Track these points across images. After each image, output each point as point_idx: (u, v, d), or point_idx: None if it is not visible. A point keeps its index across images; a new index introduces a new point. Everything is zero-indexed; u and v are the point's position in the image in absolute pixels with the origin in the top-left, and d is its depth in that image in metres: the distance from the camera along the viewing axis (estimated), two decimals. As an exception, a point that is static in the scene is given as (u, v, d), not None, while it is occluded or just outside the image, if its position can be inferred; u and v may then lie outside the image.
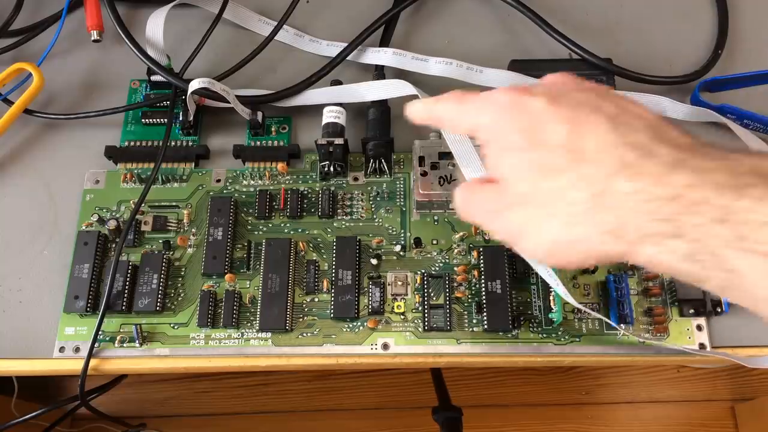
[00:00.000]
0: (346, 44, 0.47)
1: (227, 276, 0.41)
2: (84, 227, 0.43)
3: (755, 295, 0.24)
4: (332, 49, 0.48)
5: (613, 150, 0.27)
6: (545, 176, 0.28)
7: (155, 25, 0.46)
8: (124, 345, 0.40)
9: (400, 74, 0.46)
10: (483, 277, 0.40)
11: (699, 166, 0.25)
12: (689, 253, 0.25)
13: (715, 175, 0.25)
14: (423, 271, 0.41)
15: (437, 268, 0.42)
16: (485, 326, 0.39)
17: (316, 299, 0.41)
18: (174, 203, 0.44)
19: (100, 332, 0.40)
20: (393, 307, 0.41)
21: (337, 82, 0.46)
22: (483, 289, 0.40)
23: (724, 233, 0.24)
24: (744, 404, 1.04)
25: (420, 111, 0.35)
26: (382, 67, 0.47)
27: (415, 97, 0.42)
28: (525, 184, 0.29)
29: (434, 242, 0.42)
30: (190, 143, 0.46)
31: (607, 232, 0.26)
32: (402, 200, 0.44)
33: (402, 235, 0.43)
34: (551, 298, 0.39)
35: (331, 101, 0.45)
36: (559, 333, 0.40)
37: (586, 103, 0.29)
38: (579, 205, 0.27)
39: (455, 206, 0.33)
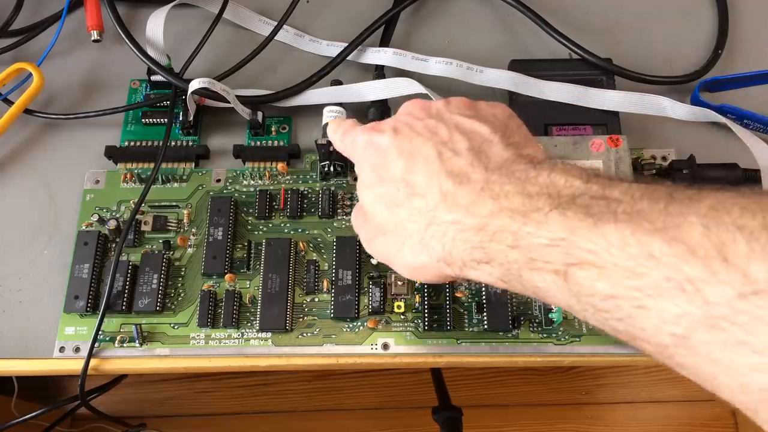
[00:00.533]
0: (346, 44, 0.47)
1: (227, 276, 0.41)
2: (84, 227, 0.43)
3: (562, 306, 0.26)
4: (332, 49, 0.48)
5: (436, 180, 0.29)
6: (390, 210, 0.31)
7: (155, 25, 0.46)
8: (124, 345, 0.40)
9: (400, 74, 0.46)
10: (483, 277, 0.40)
11: (500, 192, 0.27)
12: (501, 276, 0.27)
13: (511, 200, 0.27)
14: (423, 271, 0.41)
15: (437, 268, 0.41)
16: (485, 326, 0.39)
17: (316, 299, 0.41)
18: (174, 203, 0.44)
19: (100, 332, 0.40)
20: (393, 307, 0.40)
21: (337, 82, 0.46)
22: (483, 289, 0.40)
23: (518, 257, 0.26)
24: (744, 404, 1.04)
25: (329, 134, 0.39)
26: (382, 67, 0.47)
27: (418, 95, 0.42)
28: (379, 216, 0.32)
29: (434, 242, 0.42)
30: (190, 143, 0.46)
31: (440, 259, 0.29)
32: (402, 200, 0.43)
33: (402, 235, 0.43)
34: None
35: (331, 101, 0.45)
36: (559, 333, 0.40)
37: (423, 132, 0.31)
38: (416, 236, 0.30)
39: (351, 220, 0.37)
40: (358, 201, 0.37)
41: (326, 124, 0.42)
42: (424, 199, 0.29)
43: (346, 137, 0.36)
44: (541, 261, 0.25)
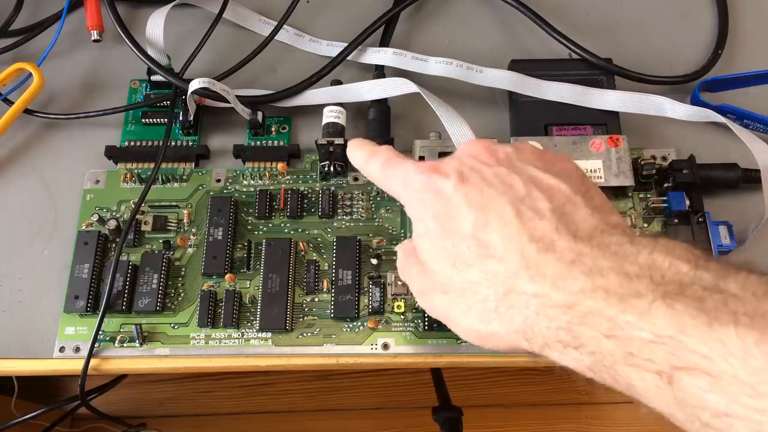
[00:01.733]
0: (346, 44, 0.47)
1: (227, 276, 0.41)
2: (84, 227, 0.43)
3: (661, 411, 0.23)
4: (332, 49, 0.48)
5: (516, 243, 0.26)
6: (458, 269, 0.28)
7: (155, 25, 0.46)
8: (124, 345, 0.40)
9: (400, 74, 0.46)
10: (483, 277, 0.40)
11: (593, 267, 0.24)
12: (590, 366, 0.24)
13: (607, 278, 0.24)
14: (423, 271, 0.41)
15: (437, 268, 0.41)
16: (485, 326, 0.39)
17: (316, 299, 0.41)
18: (174, 203, 0.44)
19: (100, 332, 0.40)
20: (393, 307, 0.40)
21: (337, 82, 0.46)
22: (483, 289, 0.40)
23: (614, 349, 0.23)
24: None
25: (355, 160, 0.35)
26: (382, 67, 0.47)
27: (417, 95, 0.42)
28: (441, 273, 0.28)
29: (434, 242, 0.42)
30: (190, 143, 0.46)
31: (518, 331, 0.26)
32: (402, 200, 0.43)
33: (402, 235, 0.43)
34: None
35: (331, 101, 0.45)
36: (559, 333, 0.40)
37: (495, 182, 0.28)
38: (489, 302, 0.27)
39: (397, 263, 0.34)
40: (405, 240, 0.35)
41: (344, 144, 0.40)
42: (501, 263, 0.26)
43: (392, 171, 0.32)
44: (641, 358, 0.22)
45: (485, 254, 0.27)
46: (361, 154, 0.34)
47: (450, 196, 0.28)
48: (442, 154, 0.42)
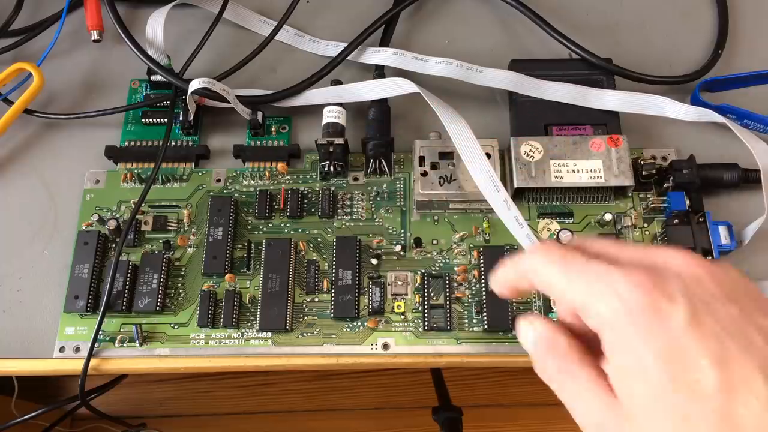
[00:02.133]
0: (346, 44, 0.47)
1: (227, 276, 0.41)
2: (84, 227, 0.43)
3: None
4: (332, 49, 0.48)
5: (764, 414, 0.21)
6: (687, 426, 0.22)
7: (155, 25, 0.46)
8: (124, 345, 0.40)
9: (400, 74, 0.46)
10: (483, 276, 0.40)
11: None
12: None
13: None
14: (423, 271, 0.41)
15: (437, 268, 0.42)
16: (485, 326, 0.39)
17: (316, 299, 0.41)
18: (174, 203, 0.44)
19: (100, 332, 0.40)
20: (393, 307, 0.40)
21: (337, 82, 0.46)
22: (483, 289, 0.40)
23: None
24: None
25: (510, 274, 0.28)
26: (382, 67, 0.47)
27: (417, 95, 0.42)
28: (659, 427, 0.22)
29: (434, 242, 0.42)
30: (190, 143, 0.46)
31: None
32: (402, 200, 0.44)
33: (402, 235, 0.43)
34: (551, 298, 0.39)
35: (331, 101, 0.45)
36: (559, 333, 0.40)
37: (736, 331, 0.22)
38: None
39: (535, 357, 0.27)
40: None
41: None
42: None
43: (579, 269, 0.24)
44: None
45: (731, 425, 0.21)
46: (518, 258, 0.28)
47: (680, 335, 0.22)
48: (443, 155, 0.42)
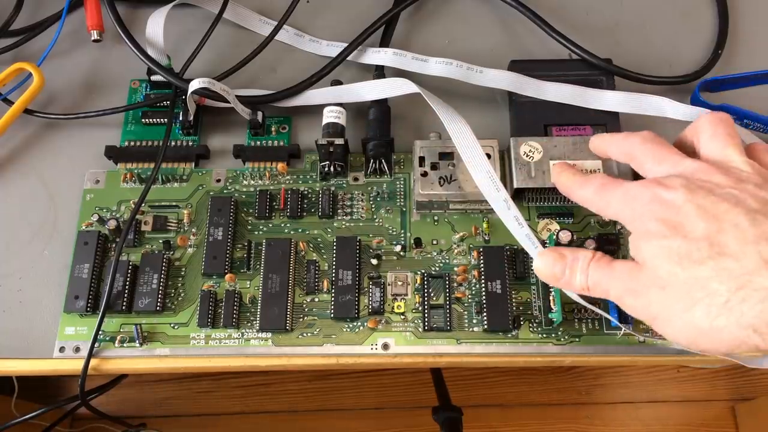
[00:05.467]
0: (346, 44, 0.47)
1: (227, 276, 0.41)
2: (84, 227, 0.43)
3: None
4: (332, 49, 0.48)
5: (753, 246, 0.27)
6: (684, 266, 0.28)
7: (155, 25, 0.46)
8: (124, 345, 0.40)
9: (400, 74, 0.46)
10: (483, 277, 0.40)
11: None
12: None
13: None
14: (423, 271, 0.41)
15: (437, 268, 0.42)
16: (485, 326, 0.39)
17: (316, 299, 0.41)
18: (174, 203, 0.44)
19: (100, 332, 0.40)
20: (393, 307, 0.41)
21: (337, 82, 0.46)
22: (483, 289, 0.40)
23: None
24: (744, 404, 1.04)
25: (563, 185, 0.37)
26: (382, 67, 0.47)
27: (417, 95, 0.42)
28: (663, 270, 0.29)
29: (434, 242, 0.42)
30: (190, 143, 0.46)
31: (748, 326, 0.27)
32: (402, 200, 0.44)
33: (402, 235, 0.43)
34: (551, 298, 0.39)
35: (331, 101, 0.45)
36: (559, 333, 0.40)
37: (727, 197, 0.29)
38: (720, 297, 0.27)
39: (586, 280, 0.33)
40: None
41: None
42: (737, 261, 0.27)
43: (610, 193, 0.33)
44: None
45: (719, 252, 0.28)
46: (570, 176, 0.37)
47: (680, 206, 0.29)
48: (443, 155, 0.42)
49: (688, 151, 0.34)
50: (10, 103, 0.46)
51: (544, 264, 0.35)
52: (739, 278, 0.27)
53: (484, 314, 0.39)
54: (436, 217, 0.43)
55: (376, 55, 0.47)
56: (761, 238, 0.27)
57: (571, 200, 0.37)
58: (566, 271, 0.34)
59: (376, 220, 0.43)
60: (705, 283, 0.28)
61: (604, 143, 0.38)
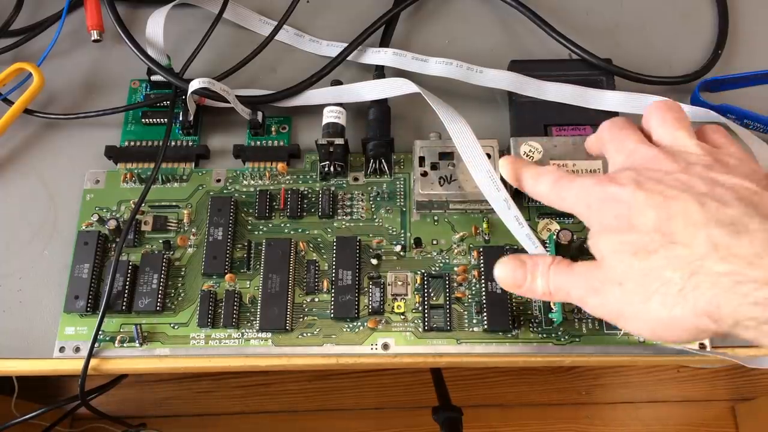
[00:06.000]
0: (346, 44, 0.47)
1: (227, 276, 0.41)
2: (84, 227, 0.43)
3: None
4: (332, 49, 0.48)
5: (702, 230, 0.27)
6: (639, 257, 0.28)
7: (155, 25, 0.46)
8: (124, 345, 0.40)
9: (400, 74, 0.46)
10: (483, 277, 0.40)
11: None
12: None
13: None
14: (423, 271, 0.41)
15: (437, 268, 0.42)
16: (485, 326, 0.39)
17: (316, 299, 0.41)
18: (174, 203, 0.44)
19: (100, 332, 0.40)
20: (393, 307, 0.41)
21: (337, 82, 0.46)
22: (483, 289, 0.40)
23: None
24: (744, 404, 1.04)
25: (514, 179, 0.37)
26: (382, 67, 0.47)
27: (417, 95, 0.42)
28: (621, 265, 0.29)
29: (434, 242, 0.42)
30: (190, 143, 0.46)
31: (702, 313, 0.27)
32: (402, 200, 0.44)
33: (402, 235, 0.43)
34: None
35: (331, 101, 0.45)
36: (559, 333, 0.40)
37: (675, 184, 0.29)
38: (674, 285, 0.27)
39: (547, 284, 0.33)
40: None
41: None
42: (687, 247, 0.27)
43: (565, 189, 0.33)
44: None
45: (670, 241, 0.28)
46: (525, 170, 0.36)
47: (630, 200, 0.29)
48: (443, 155, 0.42)
49: (646, 135, 0.34)
50: (10, 103, 0.46)
51: (505, 272, 0.34)
52: (691, 264, 0.27)
53: (484, 314, 0.39)
54: (436, 217, 0.43)
55: (376, 55, 0.47)
56: (710, 221, 0.27)
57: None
58: (527, 277, 0.33)
59: (376, 220, 0.43)
60: (659, 273, 0.28)
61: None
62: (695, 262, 0.27)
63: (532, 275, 0.33)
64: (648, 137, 0.34)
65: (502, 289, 0.40)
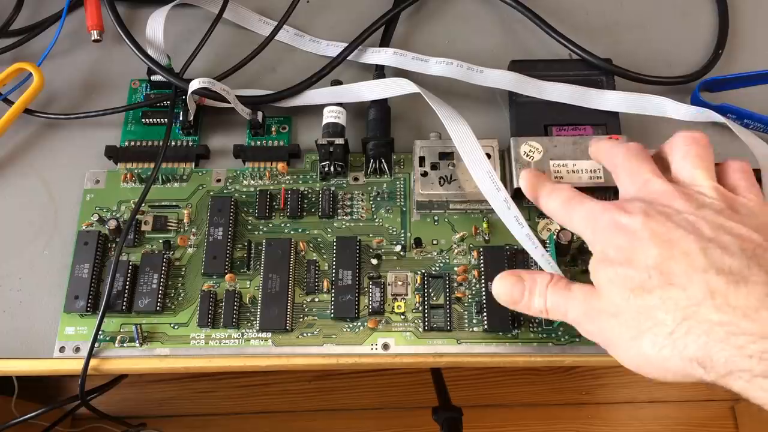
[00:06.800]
0: (346, 44, 0.47)
1: (227, 276, 0.41)
2: (84, 227, 0.43)
3: None
4: (332, 49, 0.48)
5: (701, 275, 0.27)
6: (636, 293, 0.28)
7: (155, 25, 0.46)
8: (124, 345, 0.40)
9: (401, 74, 0.46)
10: (483, 277, 0.40)
11: None
12: None
13: None
14: (423, 271, 0.41)
15: (437, 268, 0.42)
16: (485, 326, 0.39)
17: (317, 299, 0.41)
18: (174, 203, 0.44)
19: (100, 332, 0.40)
20: (393, 307, 0.41)
21: (337, 82, 0.46)
22: (483, 289, 0.40)
23: None
24: (744, 404, 1.04)
25: (531, 193, 0.36)
26: (383, 67, 0.47)
27: (417, 95, 0.42)
28: (617, 297, 0.29)
29: (434, 242, 0.42)
30: (190, 143, 0.46)
31: (692, 359, 0.27)
32: (402, 200, 0.44)
33: (402, 235, 0.43)
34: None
35: (331, 101, 0.45)
36: (559, 333, 0.40)
37: (682, 224, 0.29)
38: (665, 327, 0.27)
39: (544, 303, 0.33)
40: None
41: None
42: (683, 291, 0.27)
43: (575, 210, 0.33)
44: None
45: (667, 282, 0.28)
46: (540, 186, 0.36)
47: (636, 232, 0.29)
48: (443, 155, 0.42)
49: (665, 165, 0.34)
50: (10, 103, 0.46)
51: (503, 288, 0.34)
52: (685, 309, 0.27)
53: (484, 314, 0.39)
54: (436, 217, 0.43)
55: (376, 55, 0.47)
56: (710, 268, 0.27)
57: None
58: (525, 293, 0.34)
59: (376, 220, 0.43)
60: (652, 313, 0.28)
61: (598, 151, 0.37)
62: (690, 308, 0.27)
63: (530, 292, 0.34)
64: (665, 165, 0.34)
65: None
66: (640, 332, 0.28)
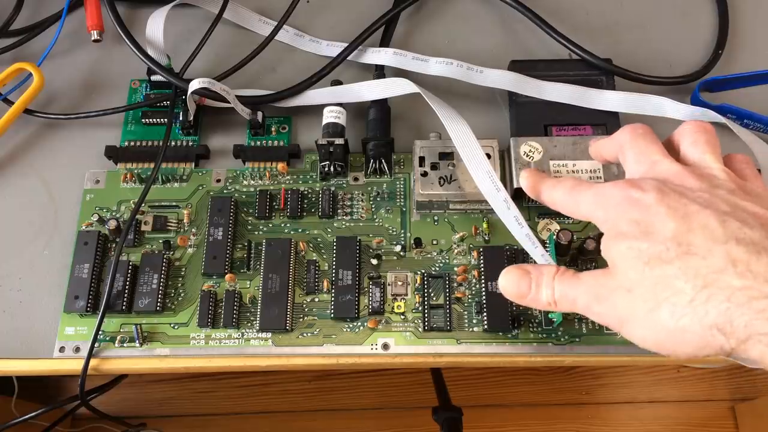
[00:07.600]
0: (346, 44, 0.47)
1: (227, 276, 0.41)
2: (84, 227, 0.43)
3: None
4: (332, 49, 0.48)
5: (722, 246, 0.27)
6: (652, 265, 0.28)
7: (155, 25, 0.46)
8: (124, 345, 0.40)
9: (401, 74, 0.46)
10: (483, 277, 0.40)
11: None
12: None
13: None
14: (423, 271, 0.41)
15: (437, 268, 0.42)
16: (485, 326, 0.39)
17: (317, 299, 0.41)
18: (174, 203, 0.44)
19: (100, 332, 0.40)
20: (393, 307, 0.40)
21: (337, 82, 0.46)
22: (483, 289, 0.40)
23: None
24: (744, 404, 1.04)
25: (533, 190, 0.36)
26: (383, 67, 0.47)
27: (417, 95, 0.42)
28: (632, 270, 0.29)
29: (434, 242, 0.42)
30: (190, 143, 0.46)
31: (713, 325, 0.26)
32: (402, 200, 0.44)
33: (402, 235, 0.43)
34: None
35: (331, 101, 0.45)
36: (559, 333, 0.40)
37: (698, 200, 0.29)
38: (684, 296, 0.27)
39: (552, 294, 0.32)
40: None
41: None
42: (704, 260, 0.27)
43: (582, 194, 0.32)
44: None
45: (686, 252, 0.27)
46: (541, 181, 0.36)
47: (651, 206, 0.29)
48: (443, 155, 0.42)
49: (673, 153, 0.34)
50: (10, 103, 0.46)
51: (510, 282, 0.34)
52: (706, 276, 0.27)
53: (484, 314, 0.39)
54: (436, 217, 0.43)
55: (376, 55, 0.47)
56: (730, 238, 0.27)
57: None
58: (532, 286, 0.33)
59: (376, 220, 0.43)
60: (670, 282, 0.27)
61: (599, 145, 0.37)
62: (710, 275, 0.27)
63: (537, 285, 0.33)
64: (675, 153, 0.34)
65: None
66: (658, 303, 0.28)
